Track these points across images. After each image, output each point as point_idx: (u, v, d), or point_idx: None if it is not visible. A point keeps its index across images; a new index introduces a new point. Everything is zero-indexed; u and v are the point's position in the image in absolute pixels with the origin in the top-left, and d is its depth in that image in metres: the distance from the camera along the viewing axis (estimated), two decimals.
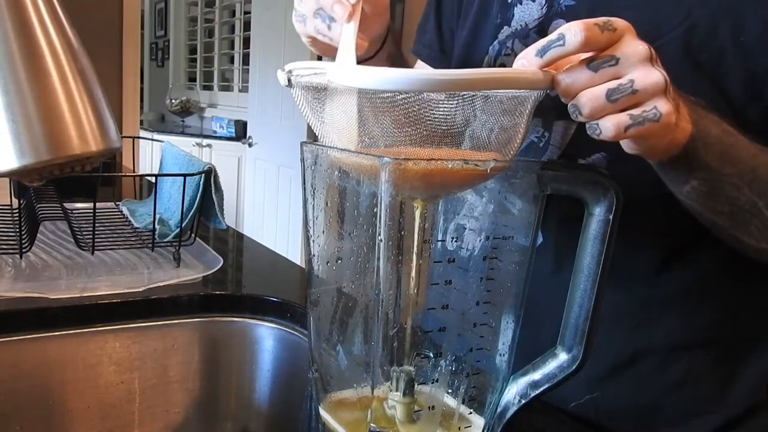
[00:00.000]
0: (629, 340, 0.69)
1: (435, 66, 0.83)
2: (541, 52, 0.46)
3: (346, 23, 0.57)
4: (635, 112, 0.46)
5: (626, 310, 0.68)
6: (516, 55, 0.68)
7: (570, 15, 0.66)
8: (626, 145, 0.51)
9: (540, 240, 0.69)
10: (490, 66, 0.72)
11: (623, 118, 0.46)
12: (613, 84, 0.46)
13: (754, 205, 0.57)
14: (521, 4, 0.70)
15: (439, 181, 0.48)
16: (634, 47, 0.46)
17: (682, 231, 0.64)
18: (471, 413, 0.55)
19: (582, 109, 0.46)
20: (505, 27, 0.71)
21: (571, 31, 0.45)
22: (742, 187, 0.56)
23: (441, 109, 0.48)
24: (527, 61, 0.46)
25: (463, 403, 0.55)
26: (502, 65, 0.71)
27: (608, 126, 0.46)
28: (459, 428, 0.53)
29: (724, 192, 0.56)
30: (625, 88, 0.45)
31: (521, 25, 0.69)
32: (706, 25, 0.60)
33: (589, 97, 0.46)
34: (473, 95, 0.48)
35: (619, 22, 0.46)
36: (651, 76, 0.46)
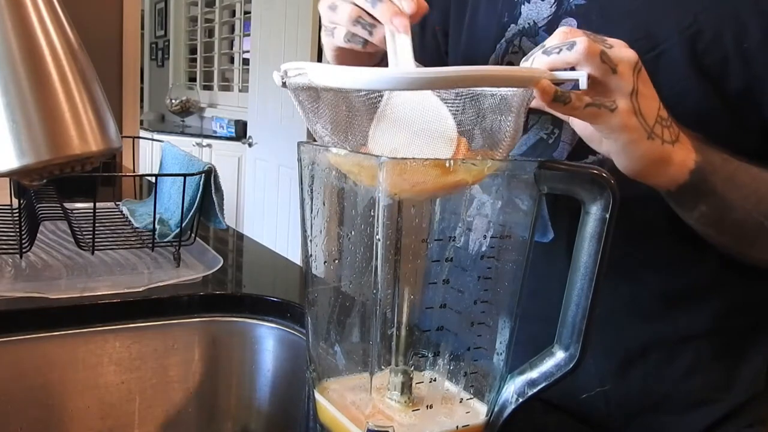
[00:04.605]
0: (639, 333, 0.71)
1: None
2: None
3: (403, 35, 0.57)
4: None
5: (637, 303, 0.70)
6: (523, 53, 0.69)
7: (580, 14, 0.66)
8: (621, 164, 0.54)
9: (551, 235, 0.70)
10: (497, 64, 0.73)
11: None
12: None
13: (760, 226, 0.59)
14: (529, 2, 0.70)
15: (435, 181, 0.48)
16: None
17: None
18: (468, 412, 0.55)
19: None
20: (512, 25, 0.71)
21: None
22: (751, 211, 0.58)
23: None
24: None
25: (460, 401, 0.55)
26: (510, 63, 0.72)
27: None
28: (456, 427, 0.53)
29: (732, 216, 0.58)
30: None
31: (529, 23, 0.70)
32: (711, 31, 0.61)
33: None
34: (464, 94, 0.49)
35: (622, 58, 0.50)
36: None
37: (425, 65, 0.85)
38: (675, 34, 0.62)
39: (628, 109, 0.50)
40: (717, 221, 0.59)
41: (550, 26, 0.68)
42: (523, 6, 0.71)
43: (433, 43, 0.83)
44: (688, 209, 0.59)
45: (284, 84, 0.50)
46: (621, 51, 0.50)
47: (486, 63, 0.74)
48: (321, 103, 0.51)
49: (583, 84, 0.49)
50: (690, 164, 0.55)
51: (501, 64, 0.72)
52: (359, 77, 0.45)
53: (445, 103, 0.50)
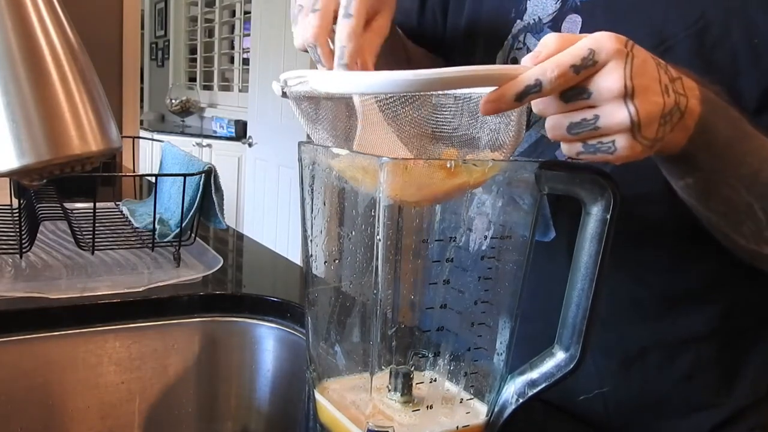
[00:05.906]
0: (639, 334, 0.70)
1: (406, 33, 0.83)
2: (520, 98, 0.46)
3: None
4: (591, 141, 0.48)
5: (637, 304, 0.69)
6: (528, 49, 0.69)
7: (585, 11, 0.66)
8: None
9: (553, 234, 0.70)
10: (504, 60, 0.72)
11: (576, 146, 0.48)
12: (576, 118, 0.47)
13: (749, 207, 0.57)
14: None
15: (437, 184, 0.48)
16: (609, 83, 0.45)
17: (695, 225, 0.65)
18: (468, 412, 0.55)
19: (546, 131, 0.49)
20: (518, 21, 0.71)
21: (546, 77, 0.45)
22: (740, 190, 0.56)
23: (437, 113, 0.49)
24: (505, 104, 0.47)
25: (461, 401, 0.55)
26: (514, 59, 0.71)
27: (564, 147, 0.49)
28: (457, 427, 0.53)
29: (720, 192, 0.56)
30: (587, 124, 0.47)
31: (534, 20, 0.70)
32: (719, 26, 0.61)
33: (553, 125, 0.48)
34: (461, 97, 0.49)
35: (604, 52, 0.45)
36: (617, 114, 0.46)
37: (422, 45, 0.85)
38: (682, 30, 0.61)
39: (629, 145, 0.47)
40: (702, 194, 0.57)
41: (555, 22, 0.68)
42: (528, 2, 0.71)
43: (432, 21, 0.82)
44: (674, 177, 0.57)
45: (284, 94, 0.50)
46: (600, 80, 0.46)
47: (492, 59, 0.74)
48: (322, 111, 0.51)
49: None
50: (681, 142, 0.51)
51: (506, 61, 0.72)
52: (360, 81, 0.45)
53: (445, 107, 0.50)
